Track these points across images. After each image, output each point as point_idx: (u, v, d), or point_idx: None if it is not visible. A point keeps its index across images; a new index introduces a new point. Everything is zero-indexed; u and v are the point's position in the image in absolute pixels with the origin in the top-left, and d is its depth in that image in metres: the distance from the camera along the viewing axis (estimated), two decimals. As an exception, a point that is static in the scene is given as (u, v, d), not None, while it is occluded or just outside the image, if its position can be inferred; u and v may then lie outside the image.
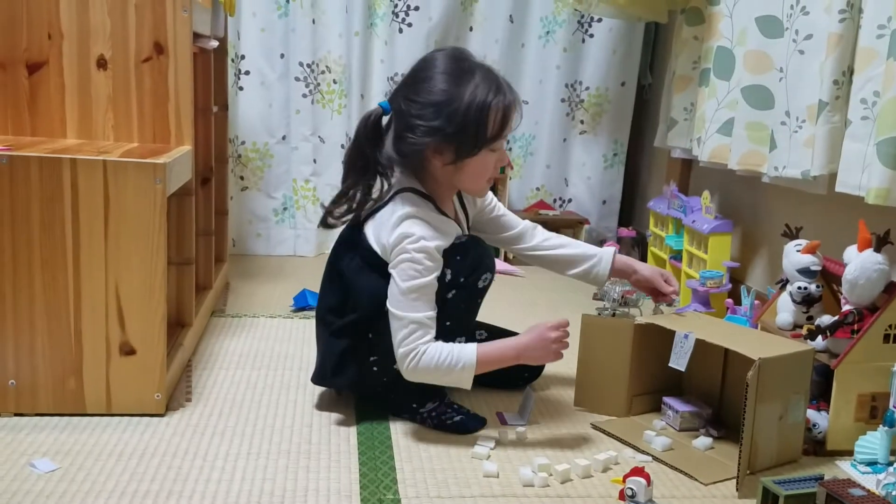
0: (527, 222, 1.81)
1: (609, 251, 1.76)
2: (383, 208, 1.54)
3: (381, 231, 1.52)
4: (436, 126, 1.48)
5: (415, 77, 1.53)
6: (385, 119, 1.56)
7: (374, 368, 1.56)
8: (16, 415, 1.50)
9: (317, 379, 1.65)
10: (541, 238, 1.79)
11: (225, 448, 1.44)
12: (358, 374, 1.57)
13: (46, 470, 1.32)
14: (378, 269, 1.52)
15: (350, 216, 1.59)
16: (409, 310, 1.46)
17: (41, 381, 1.50)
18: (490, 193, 1.75)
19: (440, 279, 1.49)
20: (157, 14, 1.67)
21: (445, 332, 1.52)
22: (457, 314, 1.54)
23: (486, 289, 1.59)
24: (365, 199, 1.56)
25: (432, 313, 1.48)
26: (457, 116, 1.47)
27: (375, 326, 1.52)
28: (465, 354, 1.47)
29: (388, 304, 1.48)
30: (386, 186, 1.55)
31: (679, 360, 1.52)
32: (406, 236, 1.47)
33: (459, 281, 1.51)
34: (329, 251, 1.69)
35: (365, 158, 1.54)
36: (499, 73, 1.55)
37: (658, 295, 1.75)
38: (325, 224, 1.62)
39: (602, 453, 1.45)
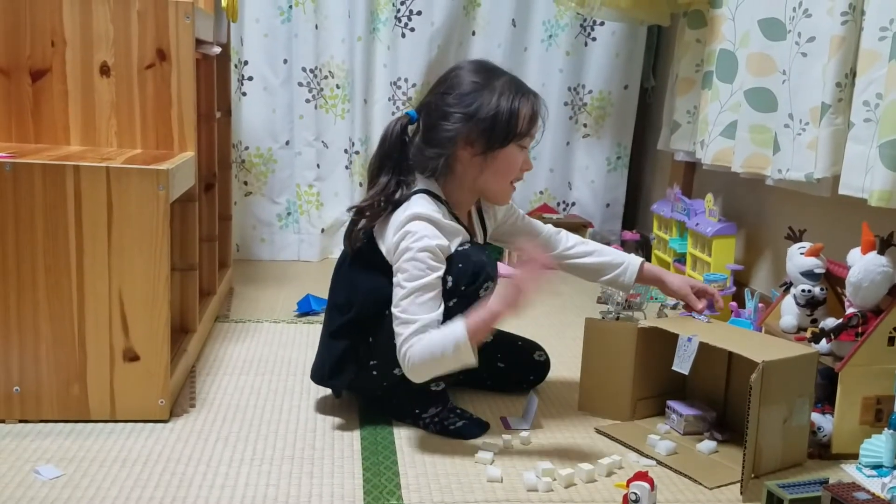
0: (550, 227, 1.77)
1: (636, 261, 1.73)
2: (397, 209, 1.52)
3: (388, 230, 1.51)
4: (470, 112, 1.50)
5: (444, 79, 1.57)
6: (411, 128, 1.57)
7: (374, 372, 1.55)
8: (20, 421, 1.51)
9: (316, 378, 1.65)
10: (565, 245, 1.75)
11: (229, 454, 1.44)
12: (356, 377, 1.57)
13: (51, 476, 1.33)
14: (380, 267, 1.51)
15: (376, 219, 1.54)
16: (414, 312, 1.44)
17: (45, 388, 1.50)
18: (512, 203, 1.73)
19: (441, 286, 1.48)
20: (160, 21, 1.67)
21: None
22: None
23: (487, 297, 1.58)
24: (391, 200, 1.53)
25: (437, 314, 1.44)
26: (489, 107, 1.50)
27: (375, 329, 1.51)
28: (455, 331, 1.40)
29: (392, 308, 1.46)
30: (405, 190, 1.54)
31: (682, 364, 1.52)
32: (408, 234, 1.46)
33: (460, 289, 1.49)
34: (333, 256, 1.68)
35: (392, 163, 1.55)
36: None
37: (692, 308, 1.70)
38: (350, 238, 1.57)
39: (606, 458, 1.45)
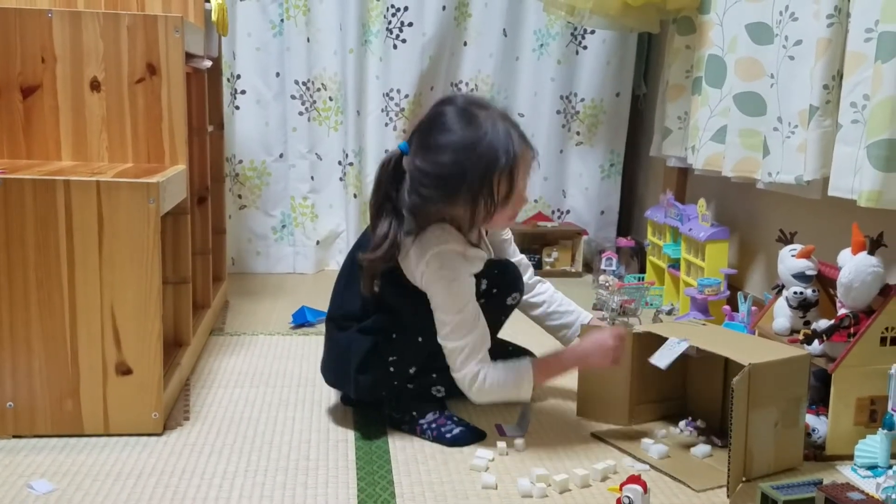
0: (523, 257, 1.83)
1: (585, 317, 1.80)
2: (415, 240, 1.52)
3: (410, 263, 1.52)
4: (445, 196, 1.49)
5: (428, 133, 1.51)
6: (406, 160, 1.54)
7: (391, 369, 1.56)
8: (14, 437, 1.51)
9: (334, 378, 1.65)
10: (528, 278, 1.80)
11: (223, 466, 1.44)
12: (378, 374, 1.57)
13: (44, 491, 1.33)
14: (398, 277, 1.54)
15: (391, 255, 1.52)
16: (461, 334, 1.51)
17: (39, 403, 1.50)
18: None
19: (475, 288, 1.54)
20: (150, 35, 1.68)
21: None
22: None
23: (512, 308, 1.63)
24: (399, 235, 1.52)
25: (482, 322, 1.52)
26: (463, 189, 1.48)
27: (401, 326, 1.55)
28: (522, 370, 1.55)
29: (439, 338, 1.53)
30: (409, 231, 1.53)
31: (662, 359, 1.52)
32: (435, 267, 1.50)
33: (492, 292, 1.56)
34: (329, 268, 1.68)
35: (391, 201, 1.53)
36: (509, 123, 1.52)
37: None
38: (370, 285, 1.54)
39: (600, 462, 1.45)
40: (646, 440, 1.54)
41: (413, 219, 1.53)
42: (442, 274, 1.50)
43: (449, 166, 1.48)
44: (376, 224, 1.53)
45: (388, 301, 1.56)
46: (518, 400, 1.59)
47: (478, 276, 1.55)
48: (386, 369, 1.57)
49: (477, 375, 1.52)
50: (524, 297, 1.78)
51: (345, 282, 1.65)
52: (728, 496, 1.36)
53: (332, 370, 1.66)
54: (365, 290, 1.55)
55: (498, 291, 1.57)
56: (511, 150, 1.49)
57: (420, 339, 1.56)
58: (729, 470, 1.35)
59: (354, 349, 1.57)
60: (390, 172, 1.53)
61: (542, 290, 1.82)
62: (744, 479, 1.40)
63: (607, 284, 2.61)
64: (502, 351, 1.78)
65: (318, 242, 2.99)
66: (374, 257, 1.51)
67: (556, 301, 1.82)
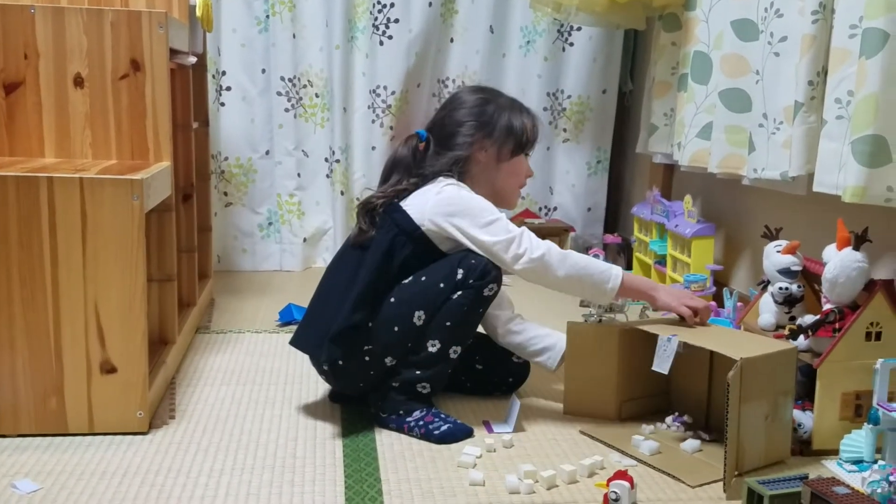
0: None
1: (559, 352, 1.74)
2: (425, 187, 1.64)
3: (421, 198, 1.62)
4: (484, 121, 1.68)
5: (450, 101, 1.75)
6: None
7: (367, 358, 1.57)
8: (-3, 436, 1.50)
9: (314, 344, 1.61)
10: (510, 308, 1.82)
11: (209, 464, 1.43)
12: (351, 354, 1.57)
13: (28, 490, 1.31)
14: (412, 240, 1.60)
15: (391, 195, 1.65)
16: (506, 229, 1.57)
17: (22, 402, 1.49)
18: None
19: (448, 278, 1.56)
20: (133, 31, 1.67)
21: (444, 332, 1.56)
22: (458, 317, 1.57)
23: (489, 299, 1.61)
24: (409, 185, 1.66)
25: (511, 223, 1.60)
26: (502, 118, 1.69)
27: (378, 313, 1.56)
28: (612, 268, 1.59)
29: (482, 251, 1.57)
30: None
31: (662, 364, 1.52)
32: (451, 193, 1.61)
33: (468, 282, 1.56)
34: (316, 265, 1.71)
35: (403, 168, 1.67)
36: None
37: None
38: (365, 207, 1.66)
39: (587, 458, 1.45)
40: (636, 437, 1.54)
41: (436, 158, 1.65)
42: (461, 194, 1.61)
43: (485, 100, 1.70)
44: (386, 181, 1.68)
45: (368, 288, 1.55)
46: (601, 294, 1.59)
47: (453, 266, 1.56)
48: (361, 358, 1.57)
49: (551, 246, 1.57)
50: (508, 329, 1.77)
51: (339, 258, 1.70)
52: (724, 490, 1.36)
53: (312, 334, 1.62)
54: (355, 237, 1.64)
55: (474, 282, 1.56)
56: (529, 109, 1.75)
57: (396, 329, 1.56)
58: (725, 464, 1.36)
59: (343, 319, 1.54)
60: (409, 150, 1.67)
61: (522, 322, 1.80)
62: (736, 472, 1.41)
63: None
64: (496, 350, 1.79)
65: (304, 240, 2.98)
66: (379, 189, 1.67)
67: (536, 327, 1.79)
